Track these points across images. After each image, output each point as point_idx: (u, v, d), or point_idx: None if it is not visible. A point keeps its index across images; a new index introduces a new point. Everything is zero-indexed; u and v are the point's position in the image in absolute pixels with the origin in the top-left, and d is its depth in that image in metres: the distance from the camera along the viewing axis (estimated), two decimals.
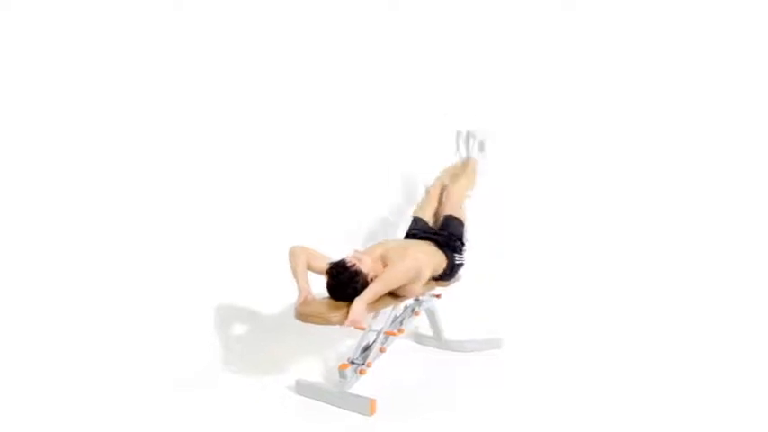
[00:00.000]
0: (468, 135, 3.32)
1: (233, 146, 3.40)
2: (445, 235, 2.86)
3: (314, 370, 2.75)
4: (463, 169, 3.23)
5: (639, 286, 3.59)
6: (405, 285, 2.45)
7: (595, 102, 3.75)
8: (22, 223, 3.02)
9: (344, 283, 2.34)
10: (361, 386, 2.51)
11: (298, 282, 2.49)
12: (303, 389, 2.50)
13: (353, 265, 2.37)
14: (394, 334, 2.62)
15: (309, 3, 3.50)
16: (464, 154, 3.33)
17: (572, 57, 3.71)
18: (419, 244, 2.77)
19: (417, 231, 2.95)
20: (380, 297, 2.45)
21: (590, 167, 3.81)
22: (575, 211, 3.80)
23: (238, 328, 3.11)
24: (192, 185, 3.31)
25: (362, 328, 2.57)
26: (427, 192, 3.14)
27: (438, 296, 3.01)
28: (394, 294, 2.50)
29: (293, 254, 2.55)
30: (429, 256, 2.64)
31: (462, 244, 2.89)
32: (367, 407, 2.32)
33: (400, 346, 3.12)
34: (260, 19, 3.43)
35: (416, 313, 2.87)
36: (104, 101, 3.18)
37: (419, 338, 3.20)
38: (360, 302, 2.27)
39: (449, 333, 3.09)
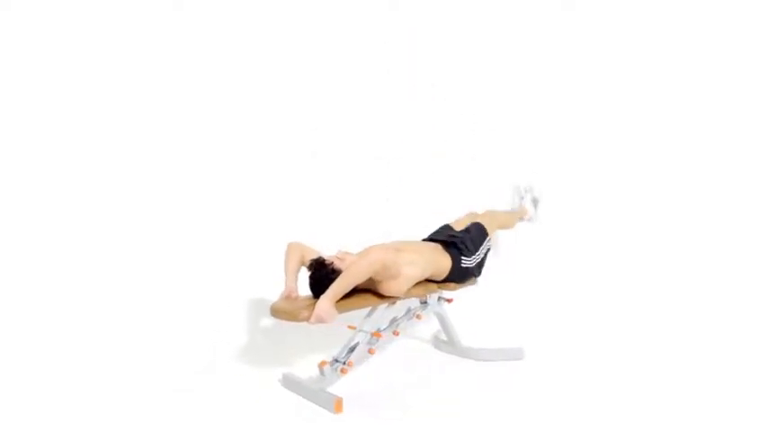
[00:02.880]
0: (526, 189, 3.42)
1: (234, 144, 3.46)
2: (458, 236, 2.81)
3: (312, 365, 2.80)
4: (509, 213, 3.36)
5: (657, 294, 3.47)
6: (382, 283, 2.42)
7: (596, 102, 3.70)
8: (23, 223, 3.14)
9: (319, 280, 2.39)
10: (351, 385, 2.53)
11: (286, 277, 2.59)
12: (288, 382, 2.58)
13: (331, 263, 2.41)
14: (380, 336, 2.59)
15: (310, 3, 3.52)
16: (517, 204, 3.43)
17: (572, 57, 3.66)
18: (416, 244, 2.74)
19: (434, 235, 2.93)
20: (360, 296, 2.47)
21: (594, 168, 3.73)
22: (590, 217, 3.69)
23: (254, 322, 3.23)
24: (191, 184, 3.38)
25: (353, 327, 2.61)
26: (466, 213, 3.11)
27: (449, 300, 2.92)
28: (376, 294, 2.49)
29: (288, 249, 2.64)
30: (415, 256, 2.57)
31: (474, 248, 2.80)
32: (332, 405, 2.34)
33: (415, 349, 3.10)
34: (260, 19, 3.46)
35: (419, 317, 2.81)
36: (105, 100, 3.26)
37: (438, 344, 3.13)
38: (324, 299, 2.29)
39: (466, 340, 2.99)
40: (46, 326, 3.00)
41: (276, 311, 2.40)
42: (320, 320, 2.28)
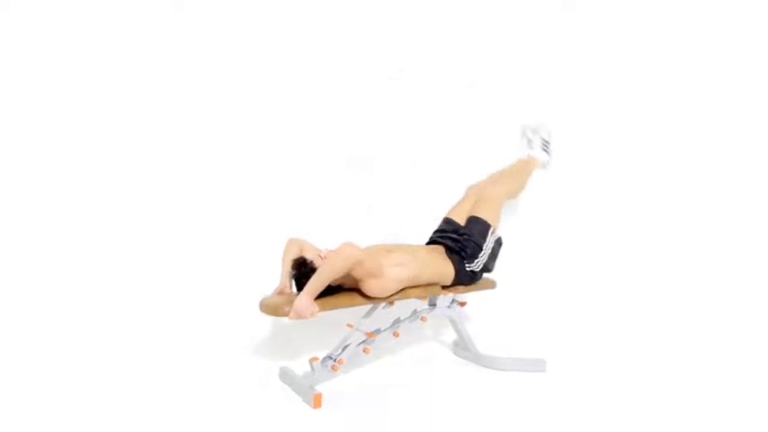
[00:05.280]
0: (533, 130, 3.14)
1: (235, 144, 3.46)
2: (460, 240, 2.71)
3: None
4: (517, 170, 3.04)
5: (691, 307, 3.29)
6: (363, 282, 2.39)
7: (596, 101, 3.57)
8: (23, 222, 3.20)
9: (299, 279, 2.43)
10: (352, 384, 2.55)
11: (281, 273, 2.63)
12: (283, 375, 2.61)
13: (311, 262, 2.43)
14: (373, 336, 2.54)
15: (310, 3, 3.48)
16: (527, 152, 3.14)
17: (572, 57, 3.54)
18: (412, 247, 2.67)
19: (437, 235, 2.85)
20: (348, 295, 2.46)
21: (609, 169, 3.58)
22: (618, 222, 3.53)
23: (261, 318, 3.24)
24: (190, 182, 3.40)
25: (352, 326, 2.59)
26: (466, 192, 2.96)
27: (463, 303, 2.79)
28: (362, 293, 2.45)
29: (286, 245, 2.67)
30: (407, 258, 2.53)
31: (475, 252, 2.69)
32: (311, 399, 2.33)
33: (429, 353, 2.99)
34: (260, 19, 3.45)
35: (423, 318, 2.71)
36: (104, 100, 3.29)
37: (457, 349, 2.99)
38: (303, 295, 2.30)
39: (485, 347, 2.83)
40: (46, 325, 3.03)
41: (262, 306, 2.46)
42: (299, 315, 2.30)
